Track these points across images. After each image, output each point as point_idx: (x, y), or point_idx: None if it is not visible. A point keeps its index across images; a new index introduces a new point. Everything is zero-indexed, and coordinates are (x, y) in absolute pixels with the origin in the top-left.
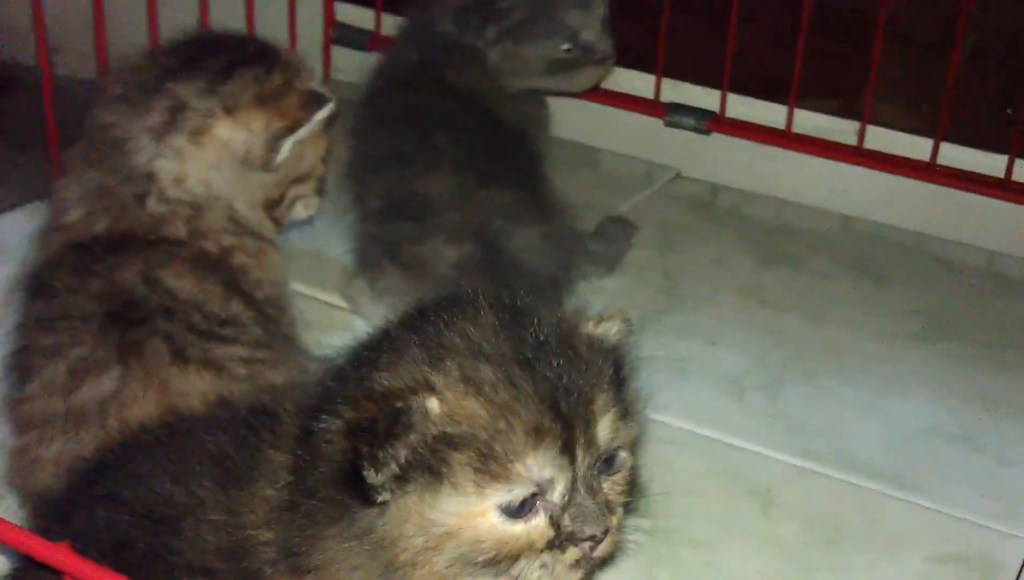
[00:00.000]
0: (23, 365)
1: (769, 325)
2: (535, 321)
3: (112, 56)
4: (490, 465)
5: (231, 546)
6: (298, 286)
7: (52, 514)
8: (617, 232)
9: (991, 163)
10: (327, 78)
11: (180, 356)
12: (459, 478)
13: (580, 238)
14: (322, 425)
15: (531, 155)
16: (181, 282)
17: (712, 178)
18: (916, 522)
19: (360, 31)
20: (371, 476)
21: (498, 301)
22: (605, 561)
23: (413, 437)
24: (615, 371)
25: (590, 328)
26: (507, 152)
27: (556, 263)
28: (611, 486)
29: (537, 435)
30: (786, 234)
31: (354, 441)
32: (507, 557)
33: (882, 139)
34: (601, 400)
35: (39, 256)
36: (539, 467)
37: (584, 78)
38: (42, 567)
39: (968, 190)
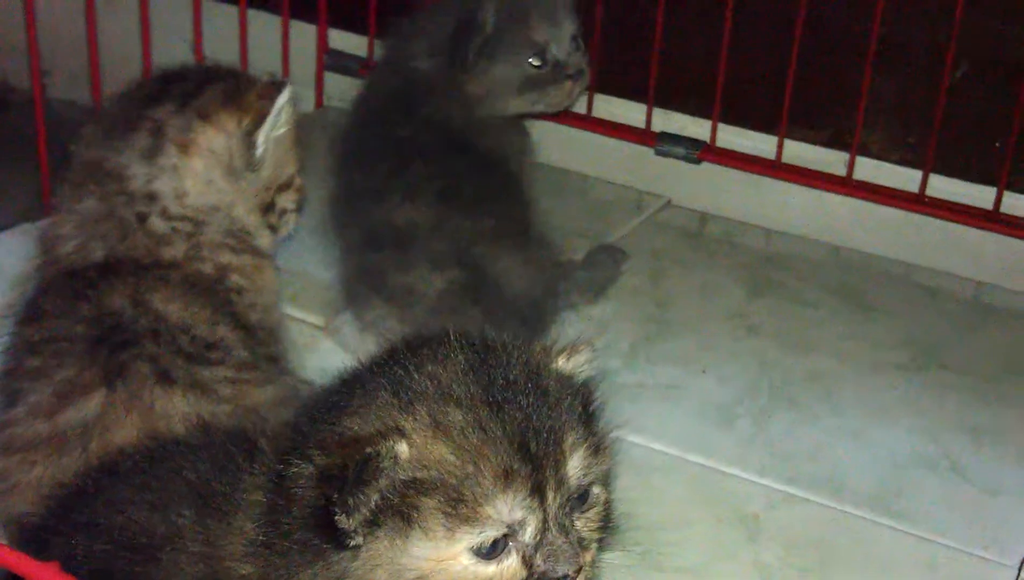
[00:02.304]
0: (10, 389)
1: (758, 353)
2: (504, 360)
3: (105, 80)
4: (460, 509)
5: (210, 577)
6: (283, 307)
7: (31, 540)
8: (605, 260)
9: (980, 194)
10: (320, 104)
11: (165, 378)
12: (429, 522)
13: (563, 264)
14: (294, 470)
15: (510, 183)
16: (169, 306)
17: (702, 207)
18: (903, 550)
19: (353, 58)
20: (343, 521)
21: (468, 341)
22: None
23: (383, 482)
24: (585, 406)
25: (559, 364)
26: (485, 181)
27: (540, 288)
28: (584, 523)
29: (507, 478)
30: (775, 263)
31: (325, 487)
32: None
33: (871, 170)
34: (571, 438)
35: (33, 286)
36: (509, 509)
37: (558, 95)
38: None
39: (956, 221)
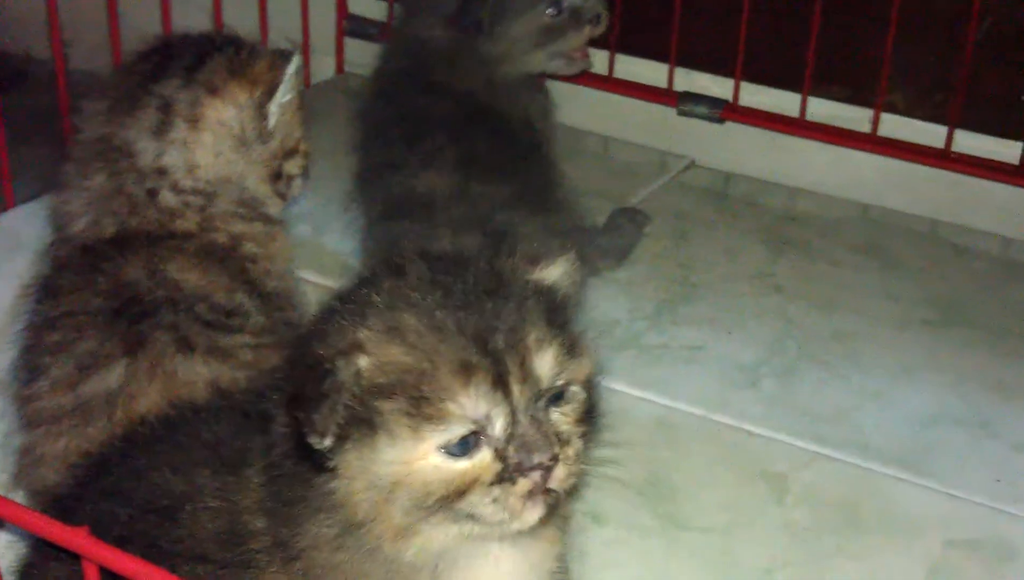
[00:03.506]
0: (31, 364)
1: (783, 313)
2: (467, 268)
3: (125, 50)
4: (422, 408)
5: (228, 532)
6: (302, 273)
7: (58, 509)
8: (626, 224)
9: (1006, 150)
10: (340, 70)
11: (186, 345)
12: (393, 426)
13: (585, 229)
14: (269, 404)
15: (532, 148)
16: (186, 275)
17: (726, 167)
18: (931, 507)
19: (373, 23)
20: (315, 441)
21: (433, 254)
22: (569, 493)
23: (343, 395)
24: (556, 307)
25: (535, 274)
26: (506, 146)
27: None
28: (561, 417)
29: (465, 372)
30: (799, 222)
31: (293, 411)
32: (457, 495)
33: (896, 126)
34: (535, 334)
35: (48, 264)
36: (473, 404)
37: (578, 40)
38: (57, 556)
39: (982, 177)
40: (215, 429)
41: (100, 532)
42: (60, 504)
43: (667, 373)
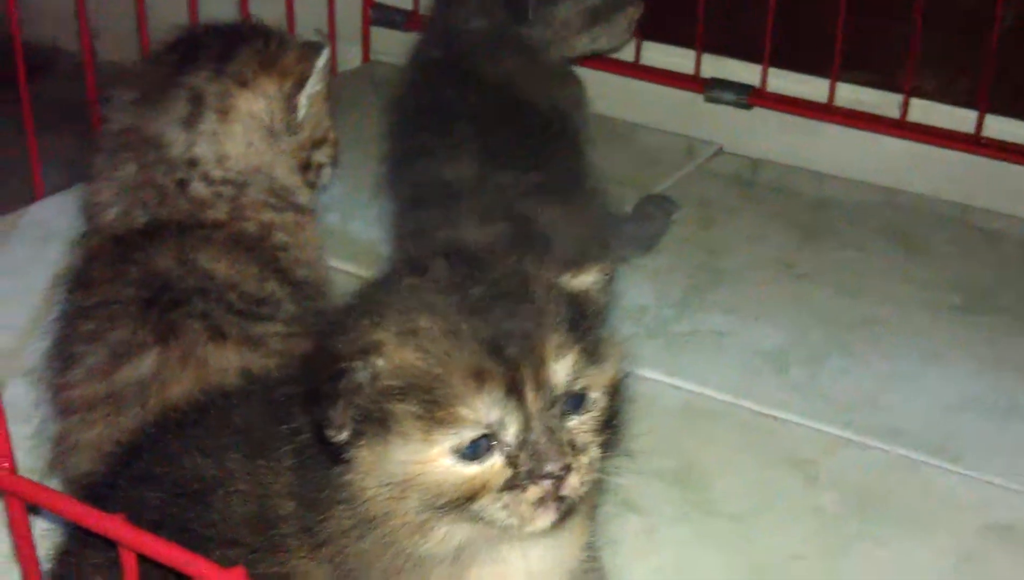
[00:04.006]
0: (65, 353)
1: (811, 299)
2: (490, 271)
3: (153, 40)
4: (434, 411)
5: (258, 516)
6: (330, 261)
7: (91, 496)
8: (655, 212)
9: None
10: (366, 59)
11: (217, 334)
12: (406, 427)
13: (614, 218)
14: (290, 398)
15: (564, 137)
16: (217, 264)
17: (753, 153)
18: (960, 493)
19: (399, 11)
20: (332, 435)
21: (459, 252)
22: (583, 500)
23: (358, 395)
24: (580, 314)
25: (565, 281)
26: (537, 136)
27: (590, 242)
28: (578, 425)
29: (478, 378)
30: (828, 208)
31: (310, 406)
32: (467, 499)
33: (925, 111)
34: (555, 341)
35: (80, 255)
36: (485, 409)
37: (624, 21)
38: (91, 542)
39: (1012, 161)
40: (246, 414)
41: (133, 517)
42: (94, 491)
43: (695, 359)
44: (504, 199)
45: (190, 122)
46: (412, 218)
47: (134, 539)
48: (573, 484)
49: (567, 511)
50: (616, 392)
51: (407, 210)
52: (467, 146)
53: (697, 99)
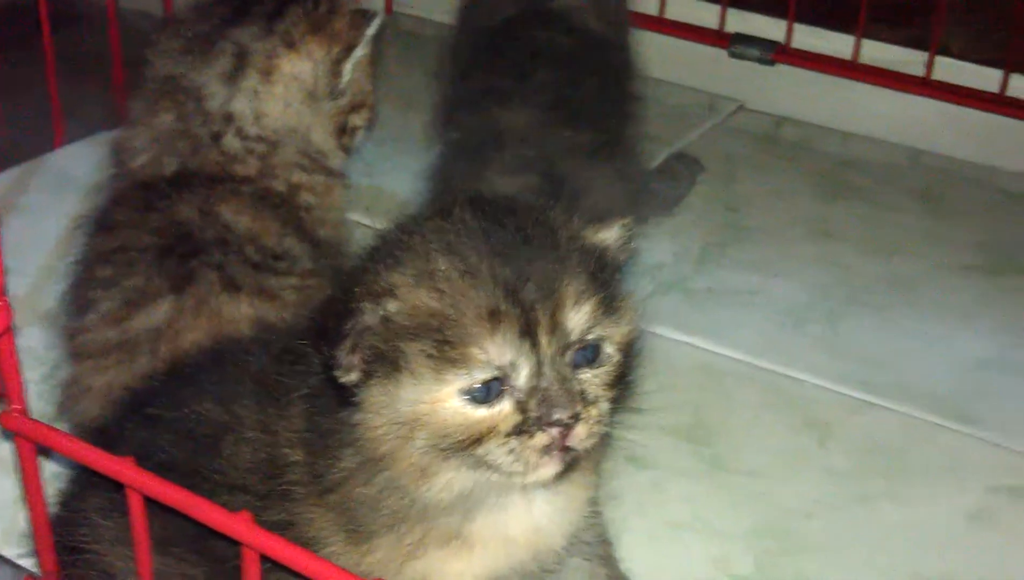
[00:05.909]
0: (81, 297)
1: (832, 258)
2: (515, 216)
3: None
4: (446, 351)
5: (266, 463)
6: (357, 217)
7: (101, 440)
8: (682, 172)
9: None
10: (389, 11)
11: (232, 285)
12: (416, 366)
13: (644, 176)
14: (304, 339)
15: (629, 95)
16: (239, 217)
17: (777, 110)
18: (976, 454)
19: None
20: (341, 375)
21: (486, 199)
22: (588, 452)
23: (367, 336)
24: (600, 266)
25: (587, 234)
26: (605, 90)
27: (620, 202)
28: (591, 377)
29: (492, 319)
30: (851, 167)
31: (322, 347)
32: (474, 442)
33: (951, 70)
34: (573, 288)
35: (106, 197)
36: (498, 350)
37: None
38: (95, 483)
39: None
40: (258, 360)
41: (141, 459)
42: (103, 434)
43: (712, 317)
44: (544, 153)
45: (232, 77)
46: (446, 165)
47: (143, 482)
48: (580, 434)
49: (571, 463)
50: (630, 349)
51: (446, 156)
52: (533, 95)
53: (718, 55)
